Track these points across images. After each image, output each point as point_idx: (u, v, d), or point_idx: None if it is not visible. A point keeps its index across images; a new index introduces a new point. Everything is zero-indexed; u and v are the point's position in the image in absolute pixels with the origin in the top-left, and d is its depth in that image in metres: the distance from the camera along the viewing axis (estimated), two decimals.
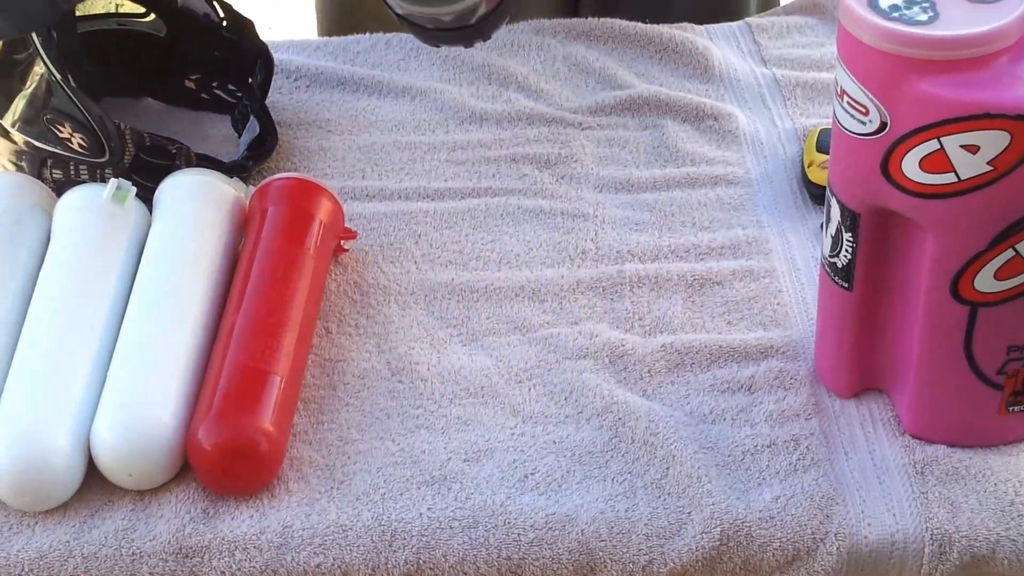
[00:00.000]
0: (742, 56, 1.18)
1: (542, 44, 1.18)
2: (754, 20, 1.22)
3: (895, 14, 0.71)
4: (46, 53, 0.93)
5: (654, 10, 1.20)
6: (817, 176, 1.01)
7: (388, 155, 1.08)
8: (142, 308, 0.86)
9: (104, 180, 0.97)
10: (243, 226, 0.94)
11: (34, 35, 0.93)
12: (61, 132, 0.95)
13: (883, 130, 0.73)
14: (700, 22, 1.21)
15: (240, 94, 1.10)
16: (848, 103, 0.75)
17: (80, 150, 0.96)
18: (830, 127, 0.79)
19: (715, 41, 1.19)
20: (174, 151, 0.98)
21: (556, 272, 0.97)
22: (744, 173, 1.06)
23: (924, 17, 0.71)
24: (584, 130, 1.10)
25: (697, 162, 1.07)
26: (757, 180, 1.06)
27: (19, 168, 0.99)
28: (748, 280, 0.97)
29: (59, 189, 0.96)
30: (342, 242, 0.96)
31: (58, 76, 0.93)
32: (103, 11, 1.07)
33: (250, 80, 1.09)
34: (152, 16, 1.08)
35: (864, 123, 0.74)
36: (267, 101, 1.09)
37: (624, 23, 1.18)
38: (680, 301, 0.95)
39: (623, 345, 0.91)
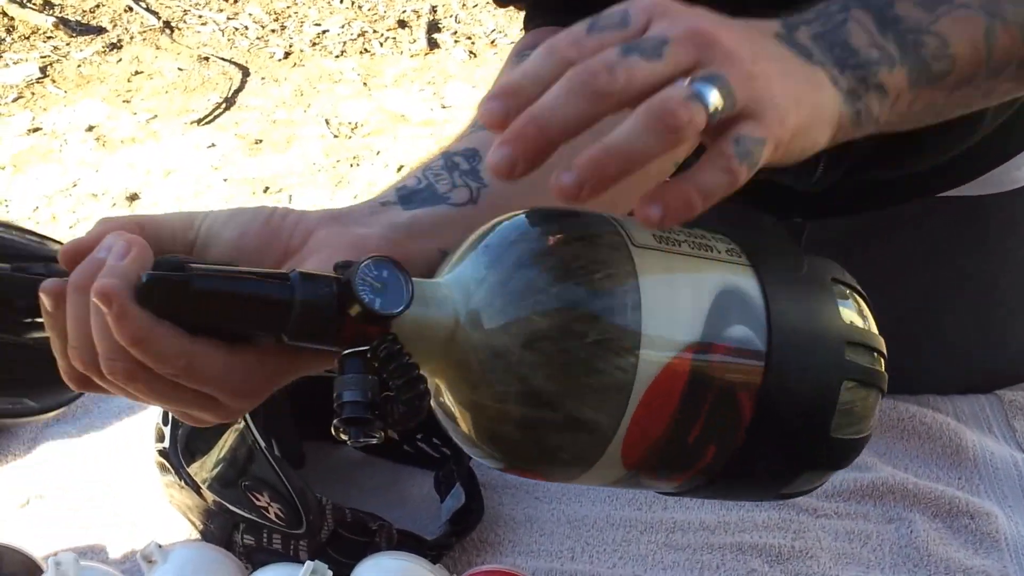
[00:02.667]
0: (996, 439, 1.05)
1: None
2: (1006, 395, 1.10)
3: None
4: (252, 418, 0.88)
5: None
6: None
7: (600, 533, 0.98)
8: None
9: (297, 552, 0.89)
10: None
11: None
12: (258, 500, 0.89)
13: None
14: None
15: (446, 450, 1.03)
16: None
17: (277, 520, 0.89)
18: None
19: (963, 420, 1.07)
20: (375, 528, 0.90)
21: None
22: None
23: None
24: (819, 518, 0.98)
25: (952, 570, 0.93)
26: None
27: (208, 529, 0.93)
28: None
29: (249, 556, 0.90)
30: None
31: (262, 443, 0.87)
32: None
33: None
34: None
35: None
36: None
37: None
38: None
39: None
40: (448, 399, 0.55)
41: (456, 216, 0.64)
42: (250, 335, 0.54)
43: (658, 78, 0.50)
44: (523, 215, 0.56)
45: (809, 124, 0.56)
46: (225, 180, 3.04)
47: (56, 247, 0.61)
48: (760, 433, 0.54)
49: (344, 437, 0.52)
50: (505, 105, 0.51)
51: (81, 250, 0.56)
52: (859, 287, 0.60)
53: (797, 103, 0.55)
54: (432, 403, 0.55)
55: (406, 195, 0.66)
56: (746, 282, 0.55)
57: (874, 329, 0.58)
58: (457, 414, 0.55)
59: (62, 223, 2.89)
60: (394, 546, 0.89)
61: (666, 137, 0.49)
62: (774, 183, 0.93)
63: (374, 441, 0.52)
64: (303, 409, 1.01)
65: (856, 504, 0.99)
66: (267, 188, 3.02)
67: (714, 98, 0.50)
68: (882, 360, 0.58)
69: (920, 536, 0.96)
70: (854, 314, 0.58)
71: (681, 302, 0.53)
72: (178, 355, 0.53)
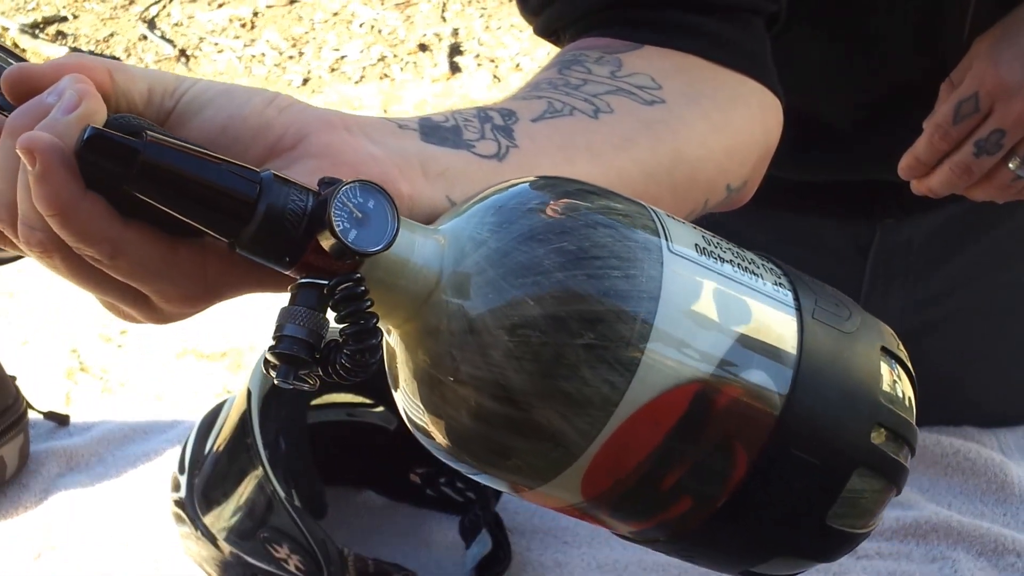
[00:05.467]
0: None
1: None
2: None
3: None
4: (271, 467, 0.85)
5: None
6: None
7: None
8: None
9: None
10: None
11: (260, 446, 0.85)
12: (277, 552, 0.86)
13: None
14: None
15: (471, 494, 0.99)
16: None
17: (296, 572, 0.86)
18: None
19: (1009, 454, 1.03)
20: None
21: None
22: None
23: None
24: (860, 559, 0.95)
25: None
26: None
27: None
28: None
29: None
30: None
31: (282, 494, 0.84)
32: (333, 401, 0.98)
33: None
34: (382, 408, 0.99)
35: None
36: (499, 500, 0.98)
37: None
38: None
39: None
40: (401, 360, 0.48)
41: (476, 167, 0.55)
42: (197, 233, 0.45)
43: (996, 161, 0.80)
44: (550, 181, 0.48)
45: None
46: None
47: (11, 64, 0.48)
48: (747, 496, 0.45)
49: (272, 373, 0.44)
50: (913, 171, 0.84)
51: (30, 81, 0.47)
52: (910, 365, 0.52)
53: None
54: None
55: (429, 128, 0.56)
56: (784, 324, 0.47)
57: (911, 418, 0.50)
58: (405, 380, 0.48)
59: None
60: None
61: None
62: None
63: (305, 387, 0.45)
64: (324, 454, 0.98)
65: (898, 543, 0.95)
66: None
67: None
68: (908, 455, 0.50)
69: (964, 575, 0.92)
70: (894, 394, 0.49)
71: (702, 327, 0.45)
72: (104, 238, 0.45)
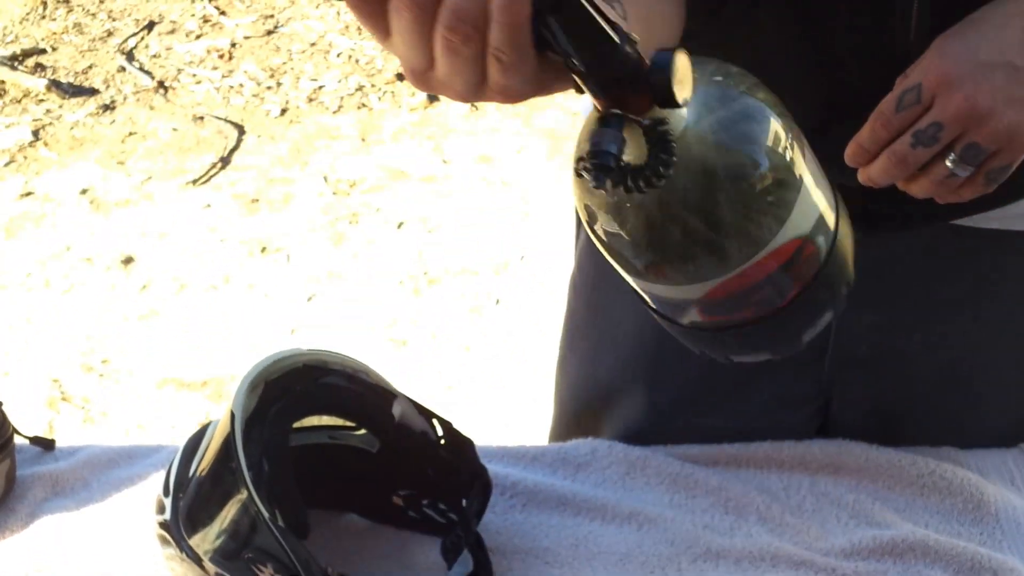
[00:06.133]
0: (1019, 493, 1.03)
1: (782, 463, 1.06)
2: None
3: None
4: (255, 488, 0.85)
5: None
6: None
7: None
8: None
9: None
10: None
11: (244, 468, 0.86)
12: (261, 572, 0.86)
13: None
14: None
15: (452, 516, 1.00)
16: None
17: None
18: None
19: (985, 474, 1.05)
20: None
21: None
22: None
23: None
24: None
25: None
26: None
27: None
28: None
29: None
30: None
31: (266, 514, 0.85)
32: (315, 424, 0.99)
33: (464, 502, 0.99)
34: (364, 431, 1.00)
35: None
36: (481, 521, 0.99)
37: (877, 448, 1.06)
38: None
39: None
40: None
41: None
42: (558, 51, 0.59)
43: (933, 154, 0.78)
44: (741, 72, 0.67)
45: None
46: (222, 241, 3.03)
47: None
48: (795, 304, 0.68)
49: (586, 175, 0.59)
50: (856, 159, 0.82)
51: None
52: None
53: None
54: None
55: None
56: (830, 212, 0.69)
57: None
58: (630, 202, 0.64)
59: (55, 288, 2.87)
60: None
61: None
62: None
63: (604, 187, 0.60)
64: (307, 477, 0.99)
65: (875, 562, 0.97)
66: (264, 248, 3.01)
67: (966, 172, 0.79)
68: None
69: None
70: None
71: (811, 207, 0.67)
72: (518, 46, 0.57)
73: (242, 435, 0.87)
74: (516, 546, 1.00)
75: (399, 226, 3.08)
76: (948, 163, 0.78)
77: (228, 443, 0.87)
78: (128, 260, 2.97)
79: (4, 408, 1.06)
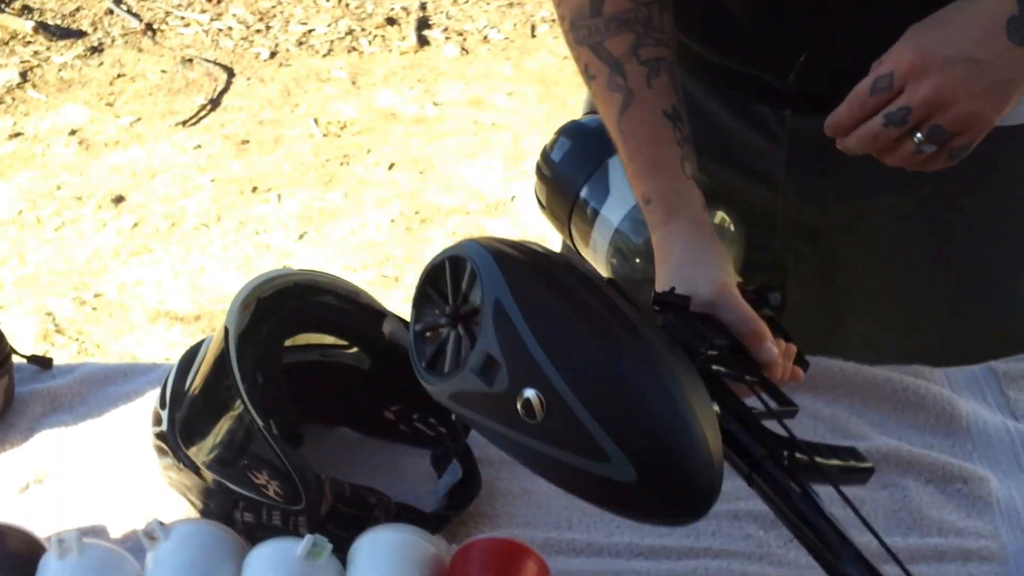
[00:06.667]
0: (989, 408, 1.06)
1: None
2: (999, 366, 1.11)
3: None
4: (250, 399, 0.88)
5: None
6: None
7: None
8: None
9: (297, 527, 0.90)
10: None
11: (239, 380, 0.89)
12: (257, 478, 0.89)
13: None
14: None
15: (442, 429, 1.03)
16: None
17: (276, 497, 0.89)
18: None
19: (957, 389, 1.08)
20: (373, 502, 0.91)
21: None
22: (999, 548, 0.94)
23: None
24: (814, 486, 0.99)
25: (945, 532, 0.95)
26: (1014, 556, 0.93)
27: (207, 508, 0.94)
28: None
29: (249, 533, 0.90)
30: None
31: (260, 423, 0.88)
32: (306, 343, 1.02)
33: (453, 415, 1.02)
34: (355, 349, 1.03)
35: None
36: (470, 435, 1.02)
37: (853, 366, 1.09)
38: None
39: None
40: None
41: None
42: None
43: (901, 133, 0.89)
44: None
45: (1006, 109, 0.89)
46: (212, 181, 3.04)
47: None
48: None
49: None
50: (834, 131, 0.93)
51: None
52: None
53: (999, 109, 0.89)
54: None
55: None
56: None
57: None
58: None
59: (47, 226, 2.89)
60: (392, 519, 0.90)
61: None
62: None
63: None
64: (300, 394, 1.01)
65: None
66: (255, 188, 3.02)
67: (931, 149, 0.90)
68: None
69: (914, 500, 0.97)
70: None
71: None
72: None
73: (236, 349, 0.90)
74: (504, 457, 1.02)
75: (390, 167, 3.10)
76: (915, 141, 0.89)
77: (223, 357, 0.90)
78: (119, 199, 2.98)
79: (1, 328, 1.08)
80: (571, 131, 1.07)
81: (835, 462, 0.82)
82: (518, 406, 0.72)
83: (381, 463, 1.03)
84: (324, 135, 3.21)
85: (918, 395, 1.06)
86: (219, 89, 3.39)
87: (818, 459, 0.80)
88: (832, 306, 1.19)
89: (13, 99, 3.36)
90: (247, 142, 3.19)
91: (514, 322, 0.72)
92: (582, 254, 1.06)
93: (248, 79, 3.46)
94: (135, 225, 2.91)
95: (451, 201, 2.97)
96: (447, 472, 1.00)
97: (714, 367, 0.81)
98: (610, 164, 1.02)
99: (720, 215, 0.99)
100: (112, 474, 1.02)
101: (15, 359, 1.10)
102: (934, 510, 0.96)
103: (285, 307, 0.96)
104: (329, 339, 1.04)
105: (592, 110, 1.08)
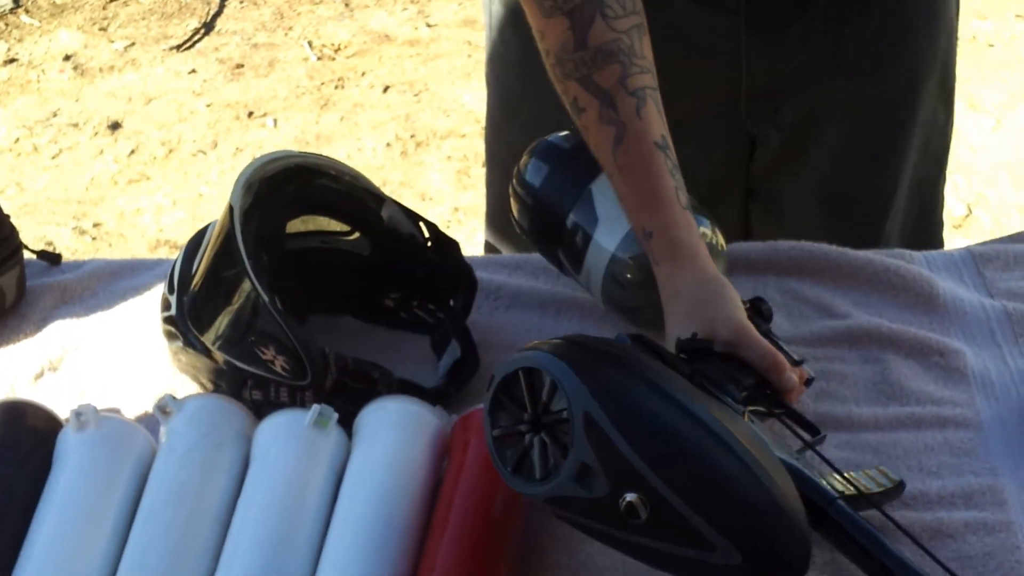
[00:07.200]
0: (966, 287, 1.10)
1: (750, 265, 1.13)
2: (976, 249, 1.15)
3: None
4: (255, 275, 0.92)
5: None
6: None
7: None
8: (344, 535, 0.83)
9: (304, 403, 0.94)
10: (444, 455, 0.90)
11: (244, 256, 0.92)
12: (264, 354, 0.93)
13: None
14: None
15: (440, 315, 1.07)
16: None
17: (282, 372, 0.93)
18: None
19: (935, 270, 1.12)
20: (376, 376, 0.95)
21: None
22: (973, 415, 0.98)
23: None
24: (799, 363, 1.03)
25: (923, 402, 0.99)
26: (988, 423, 0.97)
27: (217, 388, 0.98)
28: (983, 534, 0.88)
29: (258, 410, 0.94)
30: None
31: (266, 299, 0.91)
32: (308, 229, 1.05)
33: (451, 302, 1.06)
34: (356, 235, 1.06)
35: None
36: (467, 321, 1.06)
37: (837, 250, 1.13)
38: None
39: None
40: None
41: None
42: None
43: None
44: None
45: None
46: (208, 105, 3.06)
47: None
48: None
49: None
50: None
51: None
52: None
53: None
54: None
55: None
56: None
57: None
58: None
59: (44, 154, 2.91)
60: (395, 393, 0.94)
61: None
62: None
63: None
64: (304, 281, 1.05)
65: (833, 349, 1.04)
66: (251, 112, 3.04)
67: None
68: None
69: (894, 373, 1.01)
70: None
71: None
72: None
73: (241, 227, 0.93)
74: (501, 340, 1.07)
75: (385, 90, 3.11)
76: None
77: (228, 235, 0.93)
78: (115, 125, 3.00)
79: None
80: (545, 153, 1.07)
81: (877, 488, 0.86)
82: (620, 508, 0.73)
83: (382, 348, 1.07)
84: (318, 58, 3.22)
85: (899, 275, 1.10)
86: (212, 12, 3.39)
87: (863, 489, 0.85)
88: (799, 170, 1.25)
89: (6, 25, 3.37)
90: (241, 66, 3.21)
91: (607, 432, 0.73)
92: (571, 277, 1.07)
93: (241, 2, 3.46)
94: (132, 152, 2.93)
95: (446, 123, 2.99)
96: (447, 353, 1.04)
97: (750, 409, 0.86)
98: (593, 189, 1.02)
99: (704, 232, 0.99)
100: (124, 362, 1.06)
101: (25, 255, 1.14)
102: (913, 381, 1.01)
103: (287, 188, 0.99)
104: (330, 225, 1.06)
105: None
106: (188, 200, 2.75)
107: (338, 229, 1.06)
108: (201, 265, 0.97)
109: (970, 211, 2.52)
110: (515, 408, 0.78)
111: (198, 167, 2.86)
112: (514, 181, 1.07)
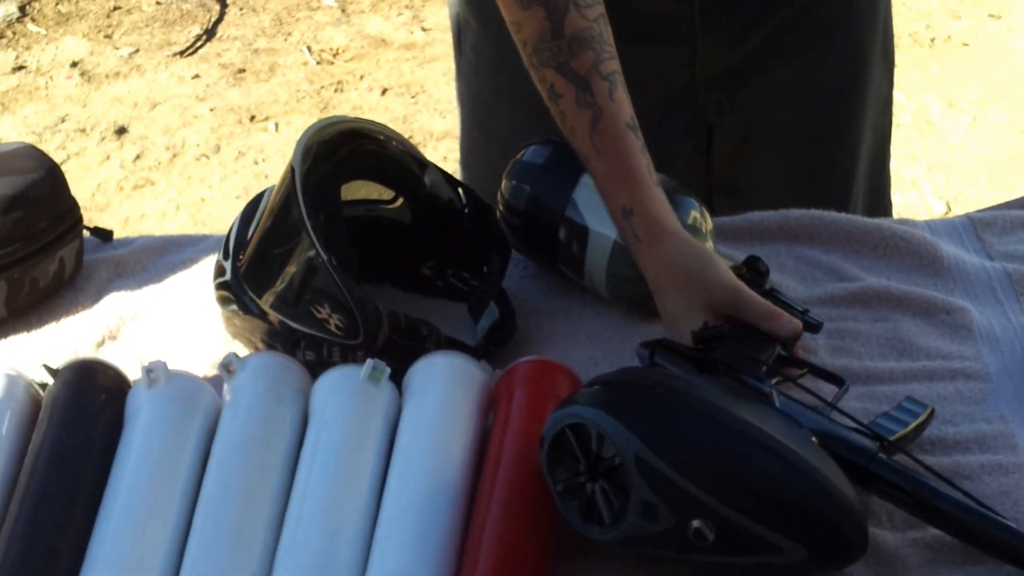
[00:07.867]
0: (967, 251, 1.17)
1: (764, 232, 1.20)
2: (975, 215, 1.22)
3: None
4: (315, 234, 0.97)
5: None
6: None
7: (619, 344, 1.09)
8: (405, 478, 0.88)
9: (356, 361, 0.99)
10: (489, 408, 0.96)
11: (305, 215, 0.97)
12: (319, 313, 0.98)
13: None
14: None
15: (475, 283, 1.13)
16: None
17: (336, 332, 0.99)
18: None
19: (937, 236, 1.19)
20: (425, 333, 1.00)
21: None
22: (982, 368, 1.05)
23: None
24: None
25: (933, 356, 1.06)
26: (996, 375, 1.04)
27: (272, 349, 1.03)
28: (998, 475, 0.94)
29: (311, 371, 0.98)
30: None
31: (324, 257, 0.97)
32: (356, 197, 1.11)
33: (485, 268, 1.12)
34: (400, 202, 1.12)
35: None
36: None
37: (846, 217, 1.20)
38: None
39: (874, 539, 0.89)
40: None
41: None
42: None
43: None
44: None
45: None
46: (211, 110, 3.12)
47: None
48: None
49: None
50: None
51: None
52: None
53: None
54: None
55: None
56: None
57: None
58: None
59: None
60: (442, 348, 1.00)
61: None
62: None
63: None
64: (352, 246, 1.10)
65: (845, 309, 1.11)
66: (253, 116, 3.10)
67: None
68: None
69: (904, 331, 1.08)
70: None
71: None
72: None
73: (302, 187, 0.98)
74: (531, 306, 1.13)
75: (383, 92, 3.18)
76: None
77: (288, 196, 0.99)
78: (121, 130, 3.06)
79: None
80: (522, 174, 1.11)
81: (908, 429, 0.91)
82: (689, 535, 0.79)
83: (422, 314, 1.13)
84: (318, 62, 3.28)
85: (905, 240, 1.17)
86: (213, 19, 3.45)
87: (896, 434, 0.90)
88: (758, 159, 1.31)
89: (14, 33, 3.42)
90: (243, 71, 3.27)
91: (659, 470, 0.78)
92: (577, 283, 1.12)
93: (241, 9, 3.52)
94: (137, 157, 2.98)
95: (442, 124, 3.06)
96: (484, 316, 1.10)
97: (775, 382, 0.91)
98: (576, 198, 1.07)
99: (694, 215, 1.05)
100: (178, 329, 1.12)
101: None
102: (922, 338, 1.07)
103: (342, 151, 1.04)
104: (375, 191, 1.12)
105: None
106: (191, 205, 2.80)
107: (381, 197, 1.12)
108: (259, 228, 1.03)
109: (949, 208, 2.58)
110: (570, 461, 0.83)
111: (201, 172, 2.91)
112: (500, 207, 1.13)
